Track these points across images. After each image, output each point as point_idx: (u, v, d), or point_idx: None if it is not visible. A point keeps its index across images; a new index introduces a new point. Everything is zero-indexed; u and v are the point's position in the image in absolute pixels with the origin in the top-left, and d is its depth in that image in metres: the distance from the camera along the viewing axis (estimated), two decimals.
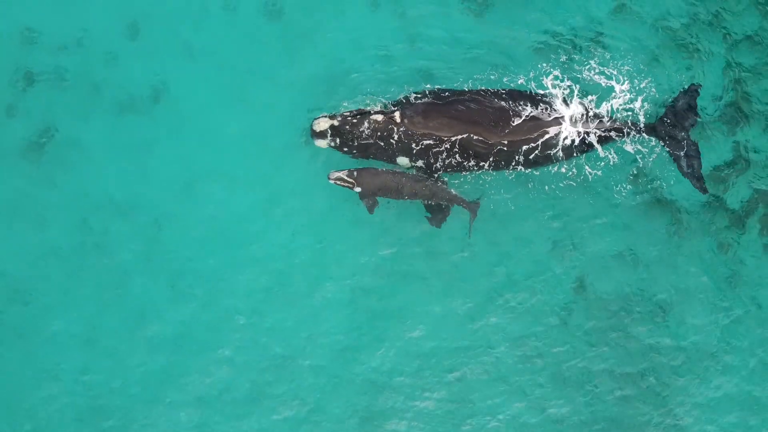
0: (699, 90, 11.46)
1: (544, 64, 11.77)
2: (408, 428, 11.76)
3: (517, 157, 11.14)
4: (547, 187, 11.66)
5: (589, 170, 11.54)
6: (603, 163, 11.58)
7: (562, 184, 11.62)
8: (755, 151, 11.82)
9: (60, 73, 11.92)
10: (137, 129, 11.87)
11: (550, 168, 11.56)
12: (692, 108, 11.40)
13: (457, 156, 11.13)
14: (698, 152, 11.38)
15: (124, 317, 11.81)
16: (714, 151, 11.81)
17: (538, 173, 11.58)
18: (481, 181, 11.56)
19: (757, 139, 11.84)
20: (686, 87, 11.51)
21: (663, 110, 11.48)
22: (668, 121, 11.36)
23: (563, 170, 11.58)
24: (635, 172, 11.70)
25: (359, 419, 11.72)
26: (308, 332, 11.75)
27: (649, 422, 11.73)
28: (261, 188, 11.79)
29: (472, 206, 11.14)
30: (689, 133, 11.39)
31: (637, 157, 11.56)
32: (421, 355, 11.72)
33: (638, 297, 11.79)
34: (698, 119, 11.51)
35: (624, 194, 11.75)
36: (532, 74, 11.71)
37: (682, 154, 11.37)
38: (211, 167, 11.83)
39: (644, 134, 11.38)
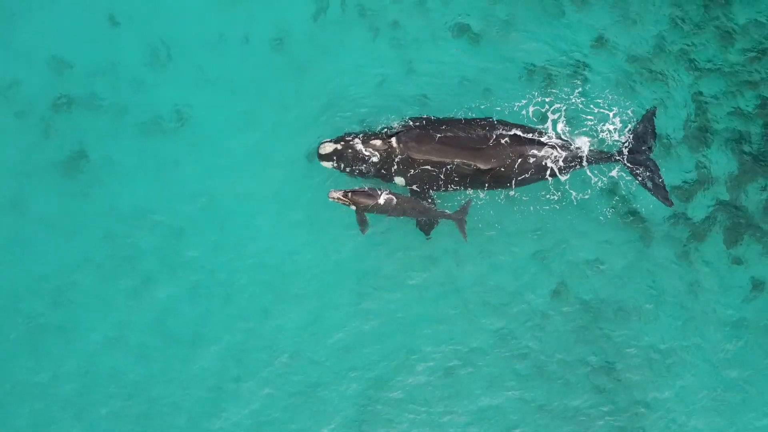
0: (656, 114, 11.64)
1: (535, 93, 11.93)
2: (407, 421, 11.92)
3: (502, 180, 11.34)
4: (532, 208, 11.80)
5: (575, 195, 11.76)
6: (589, 190, 11.83)
7: (547, 207, 11.82)
8: (718, 169, 12.00)
9: (93, 98, 12.06)
10: (161, 148, 12.04)
11: (540, 195, 11.74)
12: (651, 131, 11.60)
13: (448, 178, 11.32)
14: (658, 169, 11.54)
15: (149, 318, 11.93)
16: (680, 169, 11.96)
17: (526, 198, 11.76)
18: (475, 202, 11.67)
19: (719, 159, 12.04)
20: (645, 112, 11.68)
21: (626, 136, 11.68)
22: (631, 145, 11.54)
23: (555, 198, 11.77)
24: (614, 193, 11.88)
25: (358, 410, 11.87)
26: (314, 332, 11.92)
27: (618, 410, 11.86)
28: (271, 202, 11.98)
29: (458, 216, 11.32)
30: (650, 154, 11.57)
31: (619, 181, 11.84)
32: (415, 352, 11.88)
33: (611, 301, 11.95)
34: (656, 140, 11.67)
35: (600, 211, 11.90)
36: (523, 101, 11.88)
37: (646, 173, 11.54)
38: (226, 183, 12.01)
39: (611, 160, 11.55)
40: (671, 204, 11.54)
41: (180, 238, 11.98)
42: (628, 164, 11.50)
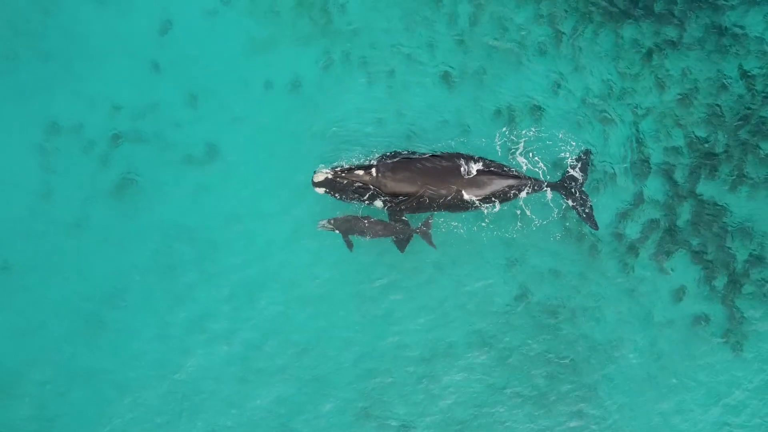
0: (591, 154, 12.25)
1: (504, 129, 12.54)
2: (398, 399, 12.50)
3: (462, 203, 11.82)
4: (496, 233, 12.42)
5: (537, 222, 12.37)
6: (550, 218, 12.41)
7: (508, 235, 12.46)
8: (653, 194, 12.70)
9: (140, 134, 12.85)
10: (197, 176, 12.78)
11: (507, 223, 12.23)
12: (585, 168, 12.21)
13: (420, 202, 11.79)
14: (588, 199, 12.15)
15: (189, 317, 12.57)
16: (621, 194, 12.66)
17: (494, 225, 12.27)
18: (450, 228, 12.25)
19: (655, 185, 12.72)
20: (581, 152, 12.31)
21: (564, 171, 12.28)
22: (568, 178, 12.16)
23: (518, 226, 12.29)
24: (567, 217, 12.47)
25: (354, 391, 12.57)
26: (322, 327, 12.59)
27: (569, 392, 12.50)
28: (287, 219, 12.65)
29: (423, 230, 11.91)
30: (583, 186, 12.22)
31: (568, 205, 12.35)
32: (404, 345, 12.61)
33: (565, 304, 12.60)
34: (588, 176, 12.23)
35: (556, 232, 12.51)
36: (493, 138, 12.48)
37: (578, 202, 12.13)
38: (250, 204, 12.72)
39: (550, 189, 12.16)
40: (597, 227, 12.18)
41: (214, 250, 12.69)
42: (568, 193, 12.16)
